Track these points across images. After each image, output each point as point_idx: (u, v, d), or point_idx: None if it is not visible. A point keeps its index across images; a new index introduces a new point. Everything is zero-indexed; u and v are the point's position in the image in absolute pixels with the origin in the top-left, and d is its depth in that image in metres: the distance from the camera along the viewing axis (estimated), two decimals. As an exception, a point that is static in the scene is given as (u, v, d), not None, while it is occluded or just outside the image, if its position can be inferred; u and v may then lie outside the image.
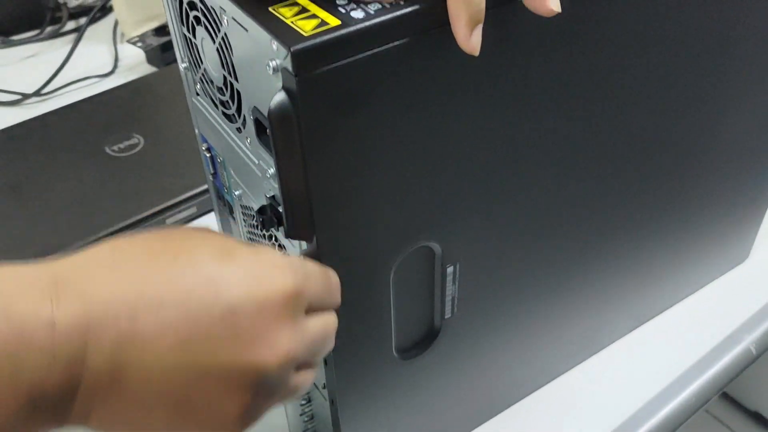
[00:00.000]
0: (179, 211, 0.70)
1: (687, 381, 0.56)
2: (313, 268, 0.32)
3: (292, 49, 0.28)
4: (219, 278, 0.27)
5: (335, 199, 0.34)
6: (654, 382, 0.56)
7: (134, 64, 0.96)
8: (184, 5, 0.38)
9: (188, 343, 0.26)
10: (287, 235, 0.37)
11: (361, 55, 0.30)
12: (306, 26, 0.29)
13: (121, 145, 0.76)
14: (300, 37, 0.29)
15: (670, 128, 0.47)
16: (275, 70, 0.30)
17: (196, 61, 0.41)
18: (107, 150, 0.75)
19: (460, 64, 0.33)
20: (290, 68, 0.29)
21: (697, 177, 0.52)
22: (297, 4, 0.31)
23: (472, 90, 0.34)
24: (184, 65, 0.43)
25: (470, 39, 0.30)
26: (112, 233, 0.67)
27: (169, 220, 0.70)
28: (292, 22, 0.30)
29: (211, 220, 0.72)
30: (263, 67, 0.31)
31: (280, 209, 0.36)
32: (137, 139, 0.76)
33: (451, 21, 0.30)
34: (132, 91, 0.85)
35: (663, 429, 0.53)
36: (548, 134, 0.40)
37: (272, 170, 0.36)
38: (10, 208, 0.69)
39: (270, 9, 0.31)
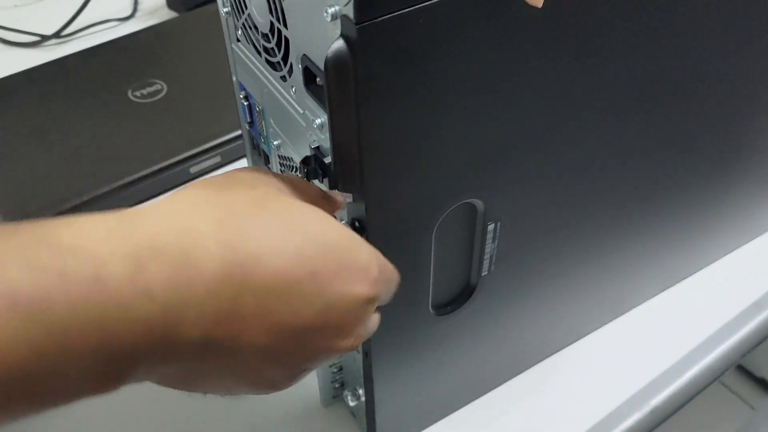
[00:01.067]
0: (203, 160, 0.70)
1: (712, 346, 0.56)
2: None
3: (357, -5, 0.27)
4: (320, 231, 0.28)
5: (386, 152, 0.33)
6: (680, 346, 0.56)
7: (154, 8, 0.94)
8: (231, -54, 0.37)
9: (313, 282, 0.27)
10: (335, 187, 0.36)
11: (422, 4, 0.29)
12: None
13: (144, 91, 0.75)
14: (363, -17, 0.28)
15: (718, 90, 0.46)
16: (333, 17, 0.29)
17: (239, 6, 0.40)
18: (130, 96, 0.74)
19: (521, 16, 0.32)
20: (351, 15, 0.28)
21: (740, 138, 0.51)
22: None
23: (531, 44, 0.33)
24: (225, 10, 0.42)
25: None
26: (136, 180, 0.67)
27: (192, 169, 0.70)
28: (352, -32, 0.29)
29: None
30: (319, 13, 0.30)
31: (326, 160, 0.36)
32: (160, 86, 0.75)
33: None
34: (154, 36, 0.83)
35: (691, 389, 0.53)
36: (601, 93, 0.39)
37: (319, 120, 0.35)
38: (35, 152, 0.68)
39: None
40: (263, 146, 0.46)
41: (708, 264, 0.61)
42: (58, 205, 0.63)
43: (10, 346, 0.20)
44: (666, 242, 0.55)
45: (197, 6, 0.90)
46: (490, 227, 0.41)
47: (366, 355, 0.43)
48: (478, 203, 0.39)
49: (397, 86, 0.31)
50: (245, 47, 0.42)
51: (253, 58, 0.41)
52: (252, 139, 0.47)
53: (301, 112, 0.37)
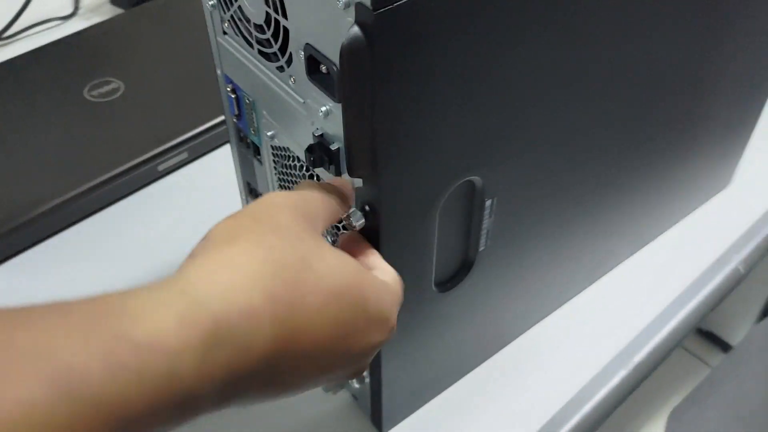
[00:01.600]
0: (171, 157, 0.69)
1: (683, 302, 0.59)
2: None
3: (373, -17, 0.28)
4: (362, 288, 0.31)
5: (398, 136, 0.34)
6: (652, 306, 0.59)
7: (96, 5, 0.91)
8: (219, -61, 0.37)
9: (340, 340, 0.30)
10: (340, 173, 0.37)
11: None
12: (381, -42, 0.29)
13: (101, 90, 0.73)
14: (379, -30, 0.28)
15: (672, 71, 0.48)
16: (347, 5, 0.30)
17: (226, 0, 0.40)
18: (87, 96, 0.72)
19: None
20: (368, 2, 0.29)
21: (690, 111, 0.54)
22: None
23: (530, 29, 0.35)
24: (211, 3, 0.41)
25: None
26: (104, 182, 0.65)
27: (161, 167, 0.69)
28: (364, -45, 0.29)
29: (204, 164, 0.71)
30: (328, 2, 0.31)
31: (332, 147, 0.36)
32: (117, 84, 0.74)
33: None
34: (103, 34, 0.81)
35: (668, 344, 0.57)
36: (585, 76, 0.41)
37: (325, 108, 0.35)
38: (-5, 159, 0.66)
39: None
40: (252, 138, 0.46)
41: (670, 226, 0.65)
42: (24, 213, 0.62)
43: None
44: (634, 206, 0.57)
45: (142, 1, 0.88)
46: (488, 203, 0.42)
47: (372, 336, 0.44)
48: (478, 180, 0.40)
49: (410, 71, 0.32)
50: (234, 39, 0.42)
51: (243, 50, 0.41)
52: (239, 131, 0.47)
53: (302, 101, 0.37)
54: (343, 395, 0.53)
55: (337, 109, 0.35)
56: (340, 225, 0.41)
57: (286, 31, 0.36)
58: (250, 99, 0.43)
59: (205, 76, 0.75)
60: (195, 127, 0.69)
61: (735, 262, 0.62)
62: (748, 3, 0.50)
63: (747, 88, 0.59)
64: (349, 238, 0.37)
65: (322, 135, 0.37)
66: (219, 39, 0.43)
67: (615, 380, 0.55)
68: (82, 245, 0.64)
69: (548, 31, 0.36)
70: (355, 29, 0.30)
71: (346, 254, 0.32)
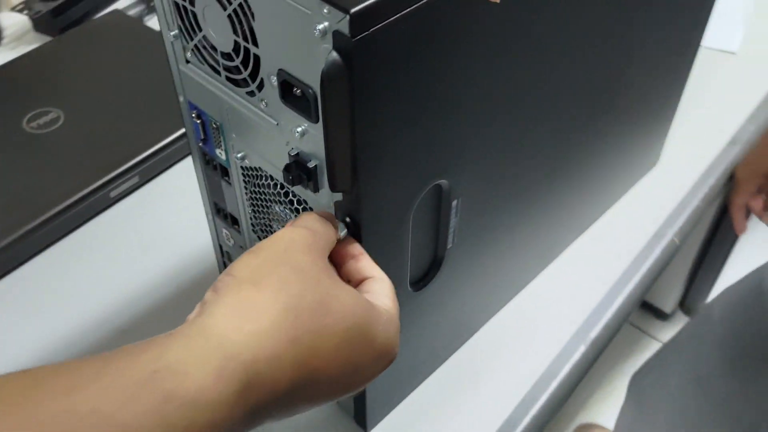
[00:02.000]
0: (122, 183, 0.69)
1: (629, 277, 0.64)
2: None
3: (351, 12, 0.30)
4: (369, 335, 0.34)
5: (375, 151, 0.36)
6: (601, 283, 0.63)
7: (20, 33, 0.89)
8: (181, -28, 0.38)
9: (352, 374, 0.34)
10: (317, 190, 0.39)
11: (399, 14, 0.32)
12: (354, -10, 0.31)
13: (40, 121, 0.72)
14: (353, 1, 0.30)
15: (602, 70, 0.52)
16: (323, 33, 0.32)
17: (190, 29, 0.41)
18: (26, 128, 0.71)
19: (478, 18, 0.36)
20: (346, 30, 0.31)
21: (620, 102, 0.59)
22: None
23: (489, 45, 0.38)
24: (173, 33, 0.42)
25: None
26: (57, 214, 0.65)
27: (113, 193, 0.68)
28: (338, -14, 0.31)
29: (157, 186, 0.71)
30: (303, 31, 0.33)
31: (309, 165, 0.38)
32: (57, 113, 0.73)
33: None
34: (36, 63, 0.80)
35: (620, 317, 0.61)
36: (533, 84, 0.44)
37: (301, 128, 0.37)
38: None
39: (310, -25, 0.32)
40: (220, 160, 0.47)
41: (609, 207, 0.69)
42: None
43: None
44: (577, 194, 0.61)
45: (69, 26, 0.87)
46: (454, 203, 0.45)
47: (355, 340, 0.46)
48: (445, 183, 0.43)
49: (385, 90, 0.34)
50: (199, 68, 0.43)
51: (208, 77, 0.42)
52: (204, 155, 0.48)
53: (275, 123, 0.39)
54: (325, 399, 0.55)
55: (313, 128, 0.37)
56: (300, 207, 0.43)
57: (256, 58, 0.37)
58: (217, 123, 0.44)
59: (147, 97, 0.75)
60: (144, 150, 0.69)
61: (670, 235, 0.67)
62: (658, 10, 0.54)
63: (666, 78, 0.64)
64: (343, 242, 0.39)
65: (298, 154, 0.39)
66: (181, 67, 0.44)
67: (576, 355, 0.58)
68: (39, 281, 0.63)
69: (501, 51, 0.39)
70: (334, 55, 0.32)
71: (356, 291, 0.35)
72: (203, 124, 0.46)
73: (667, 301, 1.48)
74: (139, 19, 0.88)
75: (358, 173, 0.36)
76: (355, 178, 0.36)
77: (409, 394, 0.56)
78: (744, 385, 0.75)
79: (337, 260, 0.38)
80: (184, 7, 0.40)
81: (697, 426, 0.83)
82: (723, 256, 1.43)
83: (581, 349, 0.59)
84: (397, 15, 0.32)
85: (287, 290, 0.31)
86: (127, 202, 0.69)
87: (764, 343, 0.71)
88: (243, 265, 0.33)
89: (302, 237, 0.34)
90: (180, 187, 0.71)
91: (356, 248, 0.38)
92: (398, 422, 0.54)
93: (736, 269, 1.57)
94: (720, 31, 0.87)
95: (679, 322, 1.53)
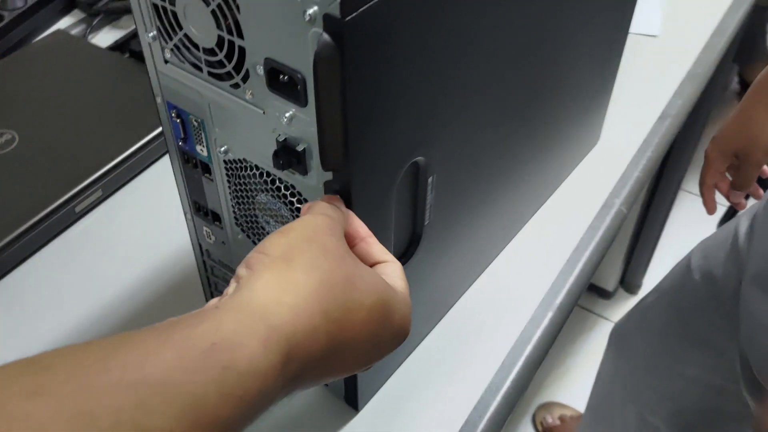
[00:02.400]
0: (86, 197, 0.69)
1: (586, 244, 0.68)
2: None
3: (341, -6, 0.33)
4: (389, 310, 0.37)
5: (365, 128, 0.38)
6: (561, 252, 0.67)
7: (-43, 59, 0.88)
8: (161, -27, 0.40)
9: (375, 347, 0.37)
10: (306, 172, 0.41)
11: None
12: (340, -25, 0.34)
13: (-5, 143, 0.71)
14: (341, -16, 0.33)
15: (548, 58, 0.56)
16: (313, 18, 0.34)
17: (169, 29, 0.42)
18: (-20, 151, 0.70)
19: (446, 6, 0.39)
20: (337, 13, 0.33)
21: (565, 85, 0.63)
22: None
23: (461, 32, 0.41)
24: (151, 34, 0.44)
25: None
26: (22, 233, 0.64)
27: (77, 208, 0.68)
28: (325, -27, 0.34)
29: (121, 198, 0.71)
30: (291, 18, 0.35)
31: (298, 148, 0.40)
32: (11, 134, 0.72)
33: None
34: (-20, 86, 0.79)
35: (581, 281, 0.65)
36: (493, 72, 0.47)
37: (289, 113, 0.39)
38: None
39: (297, -36, 0.34)
40: (201, 157, 0.48)
41: (560, 184, 0.74)
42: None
43: None
44: (532, 172, 0.65)
45: (12, 49, 0.86)
46: (430, 180, 0.48)
47: (346, 318, 0.48)
48: (422, 160, 0.46)
49: (372, 70, 0.37)
50: (178, 66, 0.44)
51: (189, 75, 0.44)
52: (184, 154, 0.50)
53: (262, 112, 0.41)
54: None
55: (301, 113, 0.39)
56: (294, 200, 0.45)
57: (241, 50, 0.39)
58: (198, 120, 0.46)
59: (101, 112, 0.75)
60: (104, 163, 0.70)
61: (618, 205, 0.72)
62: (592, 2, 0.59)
63: (602, 63, 0.69)
64: (352, 226, 0.41)
65: (286, 140, 0.41)
66: (159, 68, 0.46)
67: (545, 322, 0.62)
68: (11, 300, 0.63)
69: (473, 35, 0.43)
70: (326, 37, 0.34)
71: (375, 271, 0.38)
72: (183, 122, 0.47)
73: (609, 280, 1.55)
74: (83, 37, 0.88)
75: (350, 151, 0.38)
76: (347, 155, 0.39)
77: (394, 371, 0.58)
78: (726, 322, 0.80)
79: (348, 242, 0.40)
80: (164, 8, 0.42)
81: (678, 357, 0.88)
82: (655, 236, 1.51)
83: (549, 315, 0.63)
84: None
85: (319, 267, 0.33)
86: (93, 216, 0.69)
87: (740, 285, 0.75)
88: (275, 244, 0.34)
89: (324, 221, 0.37)
90: (146, 195, 0.71)
91: (364, 229, 0.41)
92: (386, 400, 0.57)
93: (667, 248, 1.66)
94: (642, 17, 0.94)
95: (621, 300, 1.61)
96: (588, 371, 1.48)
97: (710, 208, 0.94)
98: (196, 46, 0.42)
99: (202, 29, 0.41)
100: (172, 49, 0.44)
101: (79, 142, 0.72)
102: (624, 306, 1.60)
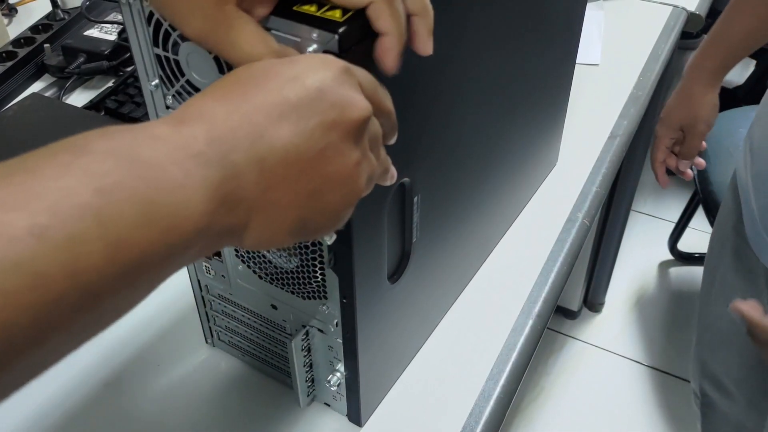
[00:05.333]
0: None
1: (556, 256, 0.73)
2: None
3: (339, 32, 0.37)
4: (298, 73, 0.33)
5: (360, 151, 0.43)
6: (534, 264, 0.72)
7: (-68, 128, 0.89)
8: (164, 26, 0.44)
9: (301, 119, 0.32)
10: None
11: (369, 37, 0.39)
12: (335, 15, 0.38)
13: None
14: (338, 24, 0.38)
15: (511, 92, 0.62)
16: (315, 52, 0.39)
17: (172, 77, 0.46)
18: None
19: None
20: (336, 49, 0.38)
21: (524, 113, 0.69)
22: (312, 2, 0.39)
23: (442, 70, 0.46)
24: (153, 83, 0.47)
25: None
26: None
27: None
28: (321, 14, 0.38)
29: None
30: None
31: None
32: None
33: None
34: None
35: (555, 290, 0.70)
36: (471, 102, 0.53)
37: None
38: None
39: (294, 8, 0.39)
40: (201, 195, 0.52)
41: (526, 203, 0.79)
42: None
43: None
44: (502, 193, 0.71)
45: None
46: (415, 200, 0.52)
47: (348, 334, 0.52)
48: (407, 181, 0.50)
49: (365, 97, 0.41)
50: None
51: (191, 118, 0.48)
52: (184, 193, 0.53)
53: (263, 145, 0.45)
54: (318, 407, 0.60)
55: (301, 142, 0.43)
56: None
57: (243, 90, 0.44)
58: (199, 159, 0.50)
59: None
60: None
61: (581, 218, 0.78)
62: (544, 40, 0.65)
63: (555, 93, 0.75)
64: None
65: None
66: (161, 114, 0.49)
67: (527, 330, 0.66)
68: None
69: (452, 74, 0.48)
70: (326, 71, 0.38)
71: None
72: (184, 163, 0.51)
73: (573, 301, 1.61)
74: (58, 98, 0.91)
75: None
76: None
77: (392, 385, 0.61)
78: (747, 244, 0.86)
79: None
80: (166, 58, 0.46)
81: (723, 276, 0.93)
82: (612, 255, 1.58)
83: (529, 323, 0.67)
84: (369, 37, 0.39)
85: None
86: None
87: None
88: None
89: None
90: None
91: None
92: (387, 416, 0.60)
93: (624, 268, 1.73)
94: (583, 49, 1.01)
95: (587, 319, 1.67)
96: (562, 390, 1.52)
97: (662, 182, 1.02)
98: (198, 90, 0.46)
99: (204, 74, 0.45)
100: (173, 95, 0.48)
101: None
102: (589, 325, 1.65)
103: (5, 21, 1.10)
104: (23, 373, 0.25)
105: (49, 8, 1.05)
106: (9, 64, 0.94)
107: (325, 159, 0.33)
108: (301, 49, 0.38)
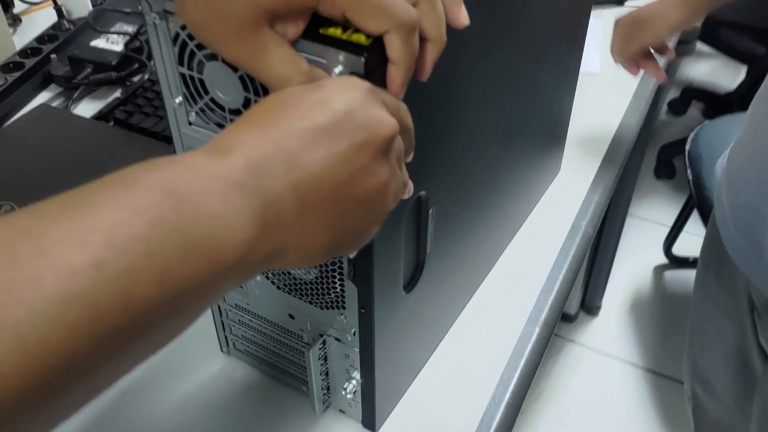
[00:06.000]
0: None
1: (561, 263, 0.75)
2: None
3: (365, 55, 0.39)
4: (326, 99, 0.34)
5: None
6: (539, 270, 0.74)
7: (-59, 138, 0.90)
8: (190, 46, 0.45)
9: (332, 142, 0.33)
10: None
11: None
12: (361, 39, 0.40)
13: (-5, 215, 0.74)
14: (364, 47, 0.39)
15: (519, 103, 0.64)
16: (339, 75, 0.40)
17: (195, 94, 0.48)
18: (-17, 223, 0.73)
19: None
20: (361, 70, 0.39)
21: (531, 124, 0.71)
22: (337, 24, 0.41)
23: (458, 90, 0.48)
24: (177, 100, 0.49)
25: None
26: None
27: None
28: (347, 38, 0.40)
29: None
30: (318, 77, 0.41)
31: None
32: (10, 205, 0.75)
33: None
34: (-27, 163, 0.82)
35: (561, 297, 0.71)
36: (482, 116, 0.54)
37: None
38: None
39: (321, 31, 0.40)
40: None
41: (531, 211, 0.81)
42: None
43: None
44: (508, 201, 0.72)
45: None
46: (430, 211, 0.54)
47: (365, 343, 0.53)
48: (423, 194, 0.52)
49: (387, 115, 0.42)
50: (203, 127, 0.49)
51: (213, 134, 0.49)
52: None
53: (285, 161, 0.46)
54: (333, 415, 0.61)
55: (324, 159, 0.44)
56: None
57: (267, 108, 0.45)
58: (221, 173, 0.51)
59: (94, 178, 0.79)
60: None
61: (584, 226, 0.79)
62: (550, 52, 0.67)
63: (559, 102, 0.77)
64: None
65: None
66: (183, 129, 0.51)
67: (533, 337, 0.68)
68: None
69: (467, 92, 0.49)
70: (351, 92, 0.40)
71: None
72: (205, 177, 0.52)
73: (571, 304, 1.63)
74: (66, 108, 0.92)
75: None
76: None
77: (405, 391, 0.63)
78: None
79: None
80: (191, 77, 0.47)
81: (709, 279, 0.93)
82: (609, 259, 1.60)
83: (536, 331, 0.69)
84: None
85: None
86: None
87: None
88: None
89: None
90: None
91: None
92: (400, 420, 0.61)
93: (621, 271, 1.75)
94: (583, 58, 1.03)
95: (584, 322, 1.69)
96: (560, 392, 1.54)
97: (632, 71, 0.87)
98: (222, 108, 0.47)
99: (228, 93, 0.46)
100: (197, 112, 0.49)
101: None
102: (586, 328, 1.67)
103: (10, 31, 1.11)
104: (80, 398, 0.27)
105: (53, 18, 1.06)
106: (16, 74, 0.95)
107: (357, 180, 0.34)
108: (328, 71, 0.40)
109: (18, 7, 1.17)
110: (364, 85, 0.36)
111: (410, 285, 0.56)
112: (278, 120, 0.33)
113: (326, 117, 0.33)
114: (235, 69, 0.44)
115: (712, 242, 0.92)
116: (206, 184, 0.30)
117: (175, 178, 0.29)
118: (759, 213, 0.70)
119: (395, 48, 0.38)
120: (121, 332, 0.26)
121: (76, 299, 0.24)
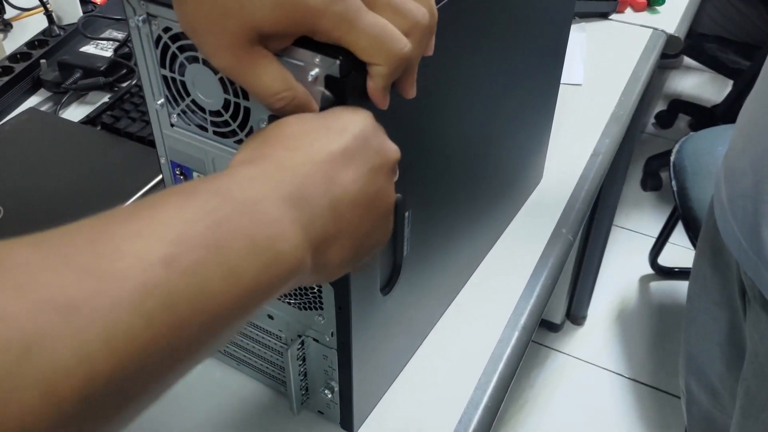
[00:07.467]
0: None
1: (541, 270, 0.76)
2: None
3: (340, 58, 0.40)
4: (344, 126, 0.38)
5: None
6: (519, 278, 0.75)
7: (-72, 141, 0.91)
8: (172, 49, 0.46)
9: (359, 165, 0.37)
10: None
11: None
12: (337, 42, 0.41)
13: (-20, 218, 0.75)
14: (339, 50, 0.40)
15: (499, 112, 0.65)
16: (315, 78, 0.41)
17: (177, 96, 0.48)
18: (-33, 225, 0.74)
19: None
20: (337, 73, 0.40)
21: (511, 132, 0.72)
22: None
23: (436, 96, 0.48)
24: (159, 102, 0.50)
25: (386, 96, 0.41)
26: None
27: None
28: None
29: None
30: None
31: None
32: (-4, 207, 0.76)
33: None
34: (-41, 165, 0.82)
35: (540, 303, 0.72)
36: (461, 121, 0.55)
37: (291, 162, 0.46)
38: None
39: (298, 35, 0.41)
40: (202, 209, 0.54)
41: (513, 218, 0.82)
42: None
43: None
44: (489, 207, 0.73)
45: (-18, 128, 0.90)
46: (406, 215, 0.55)
47: (343, 344, 0.54)
48: (399, 197, 0.53)
49: (363, 118, 0.43)
50: (185, 128, 0.50)
51: (195, 135, 0.50)
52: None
53: (264, 162, 0.47)
54: (310, 415, 0.62)
55: (301, 160, 0.45)
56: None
57: (246, 110, 0.46)
58: (202, 175, 0.52)
59: (83, 183, 0.79)
60: (91, 228, 0.74)
61: (565, 233, 0.80)
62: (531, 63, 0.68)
63: (541, 112, 0.78)
64: None
65: (287, 185, 0.47)
66: (165, 131, 0.51)
67: (513, 341, 0.69)
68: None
69: (445, 99, 0.51)
70: (328, 93, 0.41)
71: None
72: (186, 179, 0.53)
73: (556, 314, 1.64)
74: (54, 113, 0.92)
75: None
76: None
77: (384, 394, 0.63)
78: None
79: None
80: (173, 78, 0.48)
81: (705, 271, 0.94)
82: (595, 269, 1.61)
83: (515, 335, 0.69)
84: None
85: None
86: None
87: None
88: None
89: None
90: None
91: None
92: (378, 422, 0.62)
93: (606, 282, 1.77)
94: (566, 69, 1.05)
95: (569, 332, 1.70)
96: (545, 402, 1.55)
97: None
98: (202, 109, 0.48)
99: (209, 94, 0.47)
100: (179, 114, 0.50)
101: (65, 212, 0.76)
102: (572, 337, 1.68)
103: (0, 36, 1.12)
104: (151, 394, 0.27)
105: (44, 24, 1.07)
106: (5, 79, 0.95)
107: (379, 200, 0.38)
108: (305, 73, 0.41)
109: (9, 12, 1.18)
110: (368, 114, 0.40)
111: (387, 287, 0.57)
112: (308, 144, 0.36)
113: (348, 143, 0.37)
114: (215, 71, 0.45)
115: (708, 234, 0.93)
116: (261, 192, 0.32)
117: (232, 187, 0.32)
118: (755, 202, 0.72)
119: (381, 78, 0.40)
120: (192, 326, 0.27)
121: (152, 291, 0.26)
